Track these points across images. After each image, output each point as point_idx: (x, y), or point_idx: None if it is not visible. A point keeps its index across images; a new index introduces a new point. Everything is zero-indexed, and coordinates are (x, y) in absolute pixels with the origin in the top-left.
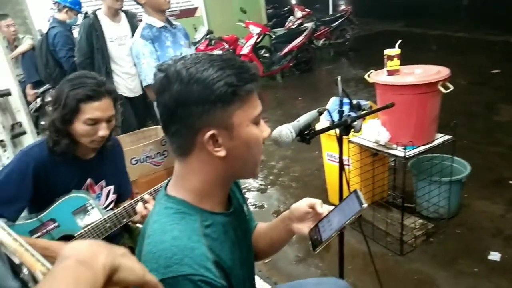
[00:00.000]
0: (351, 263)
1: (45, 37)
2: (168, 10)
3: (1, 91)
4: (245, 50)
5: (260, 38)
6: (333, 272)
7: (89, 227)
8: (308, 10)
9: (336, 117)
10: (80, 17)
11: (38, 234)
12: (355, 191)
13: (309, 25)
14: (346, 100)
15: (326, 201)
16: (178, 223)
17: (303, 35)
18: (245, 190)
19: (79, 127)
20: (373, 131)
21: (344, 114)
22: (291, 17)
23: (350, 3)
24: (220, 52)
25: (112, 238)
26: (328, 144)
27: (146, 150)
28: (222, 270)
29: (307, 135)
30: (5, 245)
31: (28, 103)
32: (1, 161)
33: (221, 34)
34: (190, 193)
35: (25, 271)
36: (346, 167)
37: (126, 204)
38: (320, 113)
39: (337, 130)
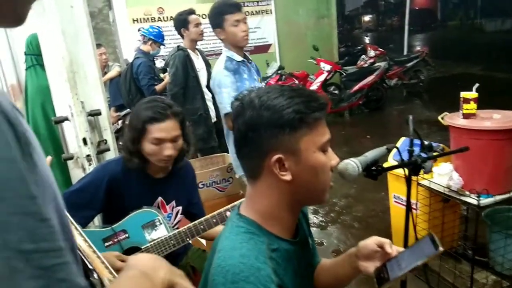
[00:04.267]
0: None
1: (130, 66)
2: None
3: (94, 111)
4: (315, 86)
5: (330, 75)
6: None
7: (155, 241)
8: (382, 49)
9: (405, 156)
10: (162, 49)
11: (110, 242)
12: (430, 234)
13: (382, 64)
14: (417, 140)
15: None
16: (246, 242)
17: (375, 74)
18: None
19: (147, 146)
20: (444, 176)
21: (414, 154)
22: (363, 56)
23: (426, 44)
24: None
25: (176, 256)
26: (395, 185)
27: (213, 176)
28: None
29: (374, 171)
30: (81, 249)
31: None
32: (85, 173)
33: (292, 70)
34: (259, 214)
35: (95, 275)
36: (413, 211)
37: (191, 224)
38: (389, 150)
39: (406, 170)
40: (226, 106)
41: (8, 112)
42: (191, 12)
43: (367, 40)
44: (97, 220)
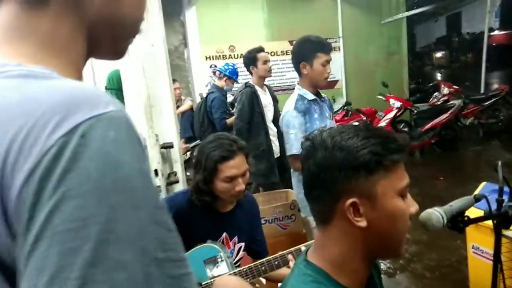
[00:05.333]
0: None
1: (205, 100)
2: None
3: (167, 144)
4: (383, 123)
5: (400, 113)
6: None
7: (215, 279)
8: (456, 87)
9: (493, 206)
10: (235, 85)
11: None
12: None
13: (457, 102)
14: (506, 188)
15: None
16: None
17: (449, 112)
18: None
19: (219, 185)
20: None
21: (504, 204)
22: (436, 93)
23: (506, 82)
24: (357, 123)
25: None
26: (474, 234)
27: (275, 212)
28: None
29: (461, 222)
30: None
31: None
32: None
33: (359, 106)
34: (328, 263)
35: None
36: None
37: (252, 264)
38: (477, 200)
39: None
40: (291, 148)
41: (135, 128)
42: (260, 50)
43: (439, 77)
44: None
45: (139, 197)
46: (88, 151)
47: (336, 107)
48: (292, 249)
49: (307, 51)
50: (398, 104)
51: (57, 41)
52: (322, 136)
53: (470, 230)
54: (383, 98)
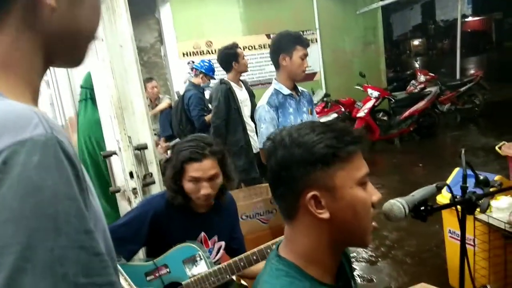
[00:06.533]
0: None
1: (182, 98)
2: None
3: (140, 145)
4: (362, 113)
5: (378, 102)
6: None
7: (194, 278)
8: (433, 74)
9: (458, 192)
10: (212, 82)
11: (152, 277)
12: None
13: (433, 89)
14: (471, 174)
15: (446, 283)
16: (288, 287)
17: (426, 99)
18: (353, 260)
19: (186, 184)
20: (505, 210)
21: (468, 191)
22: (413, 81)
23: (481, 67)
24: (336, 114)
25: None
26: (450, 219)
27: (256, 207)
28: None
29: (423, 211)
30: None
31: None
32: (131, 206)
33: (338, 97)
34: (299, 256)
35: None
36: (470, 247)
37: (231, 261)
38: (439, 188)
39: (459, 208)
40: (261, 141)
41: (68, 150)
42: (237, 45)
43: (416, 65)
44: (141, 252)
45: (61, 222)
46: (8, 178)
47: (316, 99)
48: (269, 243)
49: (287, 43)
50: (376, 93)
51: (12, 58)
52: (281, 134)
53: (446, 215)
54: (361, 89)
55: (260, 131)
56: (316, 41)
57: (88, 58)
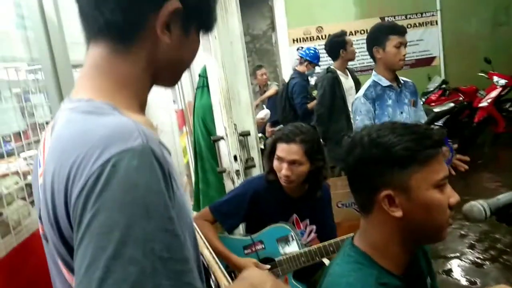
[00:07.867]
0: None
1: (286, 85)
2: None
3: (244, 132)
4: (485, 103)
5: (505, 91)
6: None
7: (287, 256)
8: None
9: None
10: (318, 69)
11: (249, 250)
12: None
13: None
14: None
15: None
16: (355, 272)
17: None
18: (455, 258)
19: (274, 162)
20: None
21: None
22: None
23: None
24: (452, 104)
25: (311, 271)
26: None
27: (352, 196)
28: None
29: (510, 216)
30: (206, 258)
31: (266, 138)
32: (234, 186)
33: (458, 85)
34: (370, 247)
35: (213, 277)
36: None
37: (321, 244)
38: None
39: None
40: None
41: (156, 151)
42: (345, 33)
43: None
44: (241, 227)
45: (152, 210)
46: (116, 177)
47: (432, 86)
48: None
49: (380, 34)
50: (503, 81)
51: (129, 79)
52: (361, 133)
53: None
54: (486, 76)
55: (355, 123)
56: (436, 23)
57: (204, 54)
